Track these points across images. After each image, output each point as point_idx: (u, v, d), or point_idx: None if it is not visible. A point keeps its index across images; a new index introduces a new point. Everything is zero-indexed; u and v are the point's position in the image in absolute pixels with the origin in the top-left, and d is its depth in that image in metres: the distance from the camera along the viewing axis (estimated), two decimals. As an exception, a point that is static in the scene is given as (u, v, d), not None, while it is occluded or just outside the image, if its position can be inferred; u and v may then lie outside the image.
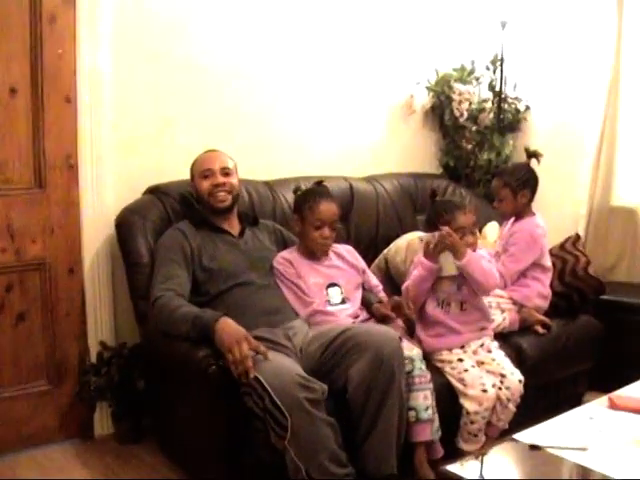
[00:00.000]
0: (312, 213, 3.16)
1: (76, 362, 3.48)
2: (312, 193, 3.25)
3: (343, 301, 3.15)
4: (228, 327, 2.68)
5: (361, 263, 3.37)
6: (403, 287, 3.21)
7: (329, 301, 3.13)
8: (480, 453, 2.30)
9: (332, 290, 3.16)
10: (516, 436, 2.26)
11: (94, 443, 3.49)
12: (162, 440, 3.37)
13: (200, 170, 3.20)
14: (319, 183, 3.36)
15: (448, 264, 3.04)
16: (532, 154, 3.64)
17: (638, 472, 2.00)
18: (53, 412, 3.45)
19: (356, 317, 3.13)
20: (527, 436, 2.25)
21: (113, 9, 3.38)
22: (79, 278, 3.45)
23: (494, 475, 2.04)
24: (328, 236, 3.19)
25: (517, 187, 3.53)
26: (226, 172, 3.21)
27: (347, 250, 3.37)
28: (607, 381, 2.89)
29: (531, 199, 3.59)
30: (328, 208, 3.18)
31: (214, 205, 3.18)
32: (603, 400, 2.55)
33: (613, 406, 2.49)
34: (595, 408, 2.50)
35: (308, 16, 4.05)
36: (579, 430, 2.29)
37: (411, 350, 2.90)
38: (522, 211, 3.58)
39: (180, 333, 2.77)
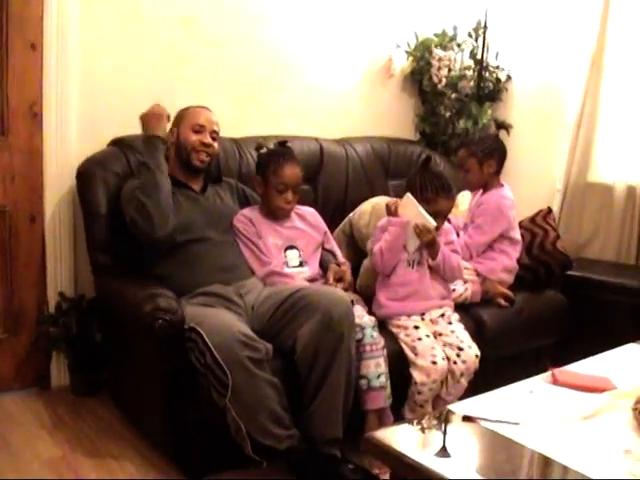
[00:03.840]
0: (276, 177, 3.11)
1: (34, 312, 3.46)
2: (276, 155, 3.19)
3: (301, 264, 3.13)
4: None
5: (323, 226, 3.34)
6: (375, 249, 3.11)
7: (287, 263, 3.11)
8: (409, 422, 2.27)
9: (290, 252, 3.14)
10: (451, 407, 2.22)
11: (50, 394, 3.48)
12: (116, 394, 3.37)
13: (193, 122, 3.14)
14: (283, 143, 3.30)
15: (412, 240, 3.02)
16: (501, 125, 3.60)
17: (566, 448, 1.97)
18: (9, 361, 3.43)
19: (313, 280, 3.10)
20: (463, 407, 2.22)
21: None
22: (40, 227, 3.41)
23: (419, 444, 2.01)
24: (291, 200, 3.15)
25: (483, 157, 3.49)
26: (214, 136, 3.18)
27: (310, 212, 3.34)
28: (572, 357, 2.86)
29: (498, 170, 3.55)
30: (292, 172, 3.14)
31: (192, 161, 3.14)
32: (547, 375, 2.52)
33: (555, 381, 2.45)
34: (537, 383, 2.46)
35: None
36: (517, 404, 2.26)
37: (362, 318, 2.87)
38: (489, 182, 3.55)
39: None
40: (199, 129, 3.13)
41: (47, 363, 3.51)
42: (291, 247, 3.15)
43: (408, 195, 3.00)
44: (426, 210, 2.97)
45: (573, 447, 1.98)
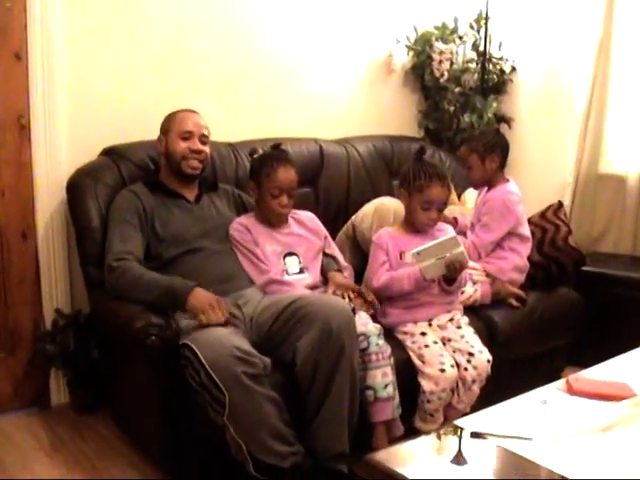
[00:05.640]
0: (269, 180, 2.99)
1: (30, 329, 3.36)
2: (269, 158, 3.06)
3: (301, 271, 3.01)
4: (200, 295, 2.64)
5: (323, 230, 3.22)
6: (382, 281, 3.00)
7: (286, 270, 2.99)
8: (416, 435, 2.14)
9: (290, 259, 3.02)
10: (459, 422, 2.09)
11: (50, 412, 3.39)
12: (115, 410, 3.27)
13: (180, 130, 3.04)
14: (277, 146, 3.17)
15: (435, 268, 2.89)
16: (501, 119, 3.47)
17: (583, 466, 1.84)
18: (7, 380, 3.34)
19: (314, 288, 2.99)
20: (471, 422, 2.09)
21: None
22: (32, 243, 3.32)
23: (423, 467, 1.88)
24: (286, 204, 3.03)
25: (484, 152, 3.36)
26: (204, 140, 3.07)
27: (308, 217, 3.22)
28: (588, 357, 2.75)
29: (502, 165, 3.43)
30: (286, 175, 3.01)
31: (183, 169, 3.03)
32: (561, 383, 2.39)
33: (570, 390, 2.31)
34: (551, 392, 2.32)
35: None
36: (529, 416, 2.13)
37: (366, 325, 2.75)
38: (493, 178, 3.41)
39: (144, 299, 2.68)
40: (187, 136, 3.02)
41: (46, 381, 3.41)
42: (290, 254, 3.03)
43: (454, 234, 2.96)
44: (419, 199, 2.96)
45: (591, 464, 1.85)
